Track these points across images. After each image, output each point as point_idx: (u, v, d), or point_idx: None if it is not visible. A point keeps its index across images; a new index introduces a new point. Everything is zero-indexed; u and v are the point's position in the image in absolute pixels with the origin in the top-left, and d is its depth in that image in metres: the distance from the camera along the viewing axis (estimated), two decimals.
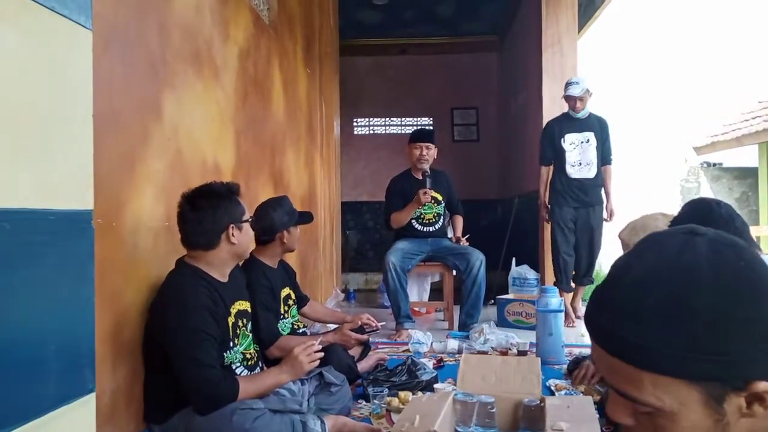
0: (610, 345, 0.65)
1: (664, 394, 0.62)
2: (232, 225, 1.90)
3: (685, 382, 0.61)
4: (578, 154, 4.31)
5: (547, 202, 4.47)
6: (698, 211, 1.82)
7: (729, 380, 0.61)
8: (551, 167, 4.45)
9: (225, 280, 1.97)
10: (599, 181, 4.35)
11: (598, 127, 4.34)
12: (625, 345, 0.63)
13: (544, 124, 5.00)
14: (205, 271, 1.90)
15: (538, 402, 1.78)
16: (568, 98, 4.29)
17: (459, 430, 1.80)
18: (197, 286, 1.83)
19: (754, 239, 1.73)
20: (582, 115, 4.30)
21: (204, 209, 1.86)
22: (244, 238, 1.96)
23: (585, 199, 4.30)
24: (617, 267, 0.68)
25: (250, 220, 2.00)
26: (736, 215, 1.74)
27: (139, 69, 1.93)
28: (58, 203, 1.38)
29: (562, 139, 4.33)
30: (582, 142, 4.32)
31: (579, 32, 5.44)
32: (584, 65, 5.54)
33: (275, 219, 2.58)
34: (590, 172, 4.30)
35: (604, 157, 4.34)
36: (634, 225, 2.37)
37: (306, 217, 2.78)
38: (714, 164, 9.30)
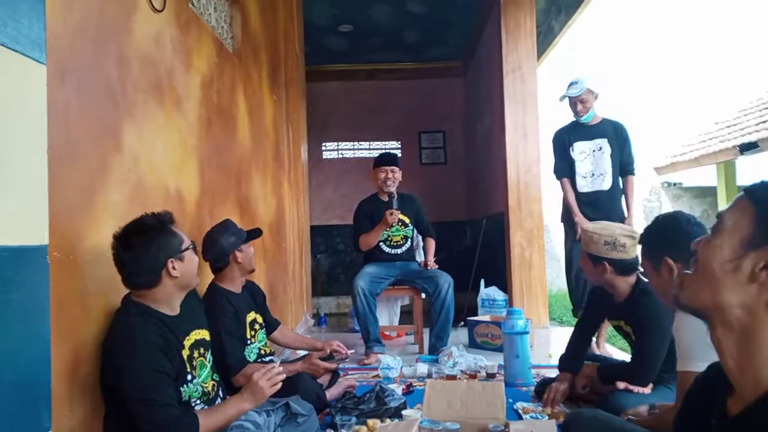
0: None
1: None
2: (171, 259, 1.83)
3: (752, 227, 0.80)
4: (590, 164, 3.92)
5: (560, 219, 4.08)
6: (665, 222, 1.88)
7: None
8: (569, 179, 4.00)
9: (175, 312, 1.91)
10: (616, 193, 3.92)
11: (612, 132, 3.92)
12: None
13: (507, 149, 5.11)
14: (152, 307, 1.84)
15: (503, 427, 1.79)
16: (569, 101, 3.93)
17: None
18: (145, 324, 1.77)
19: None
20: (590, 120, 3.92)
21: (137, 248, 1.78)
22: (186, 267, 1.88)
23: (598, 216, 3.70)
24: None
25: (191, 247, 1.92)
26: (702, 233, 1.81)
27: (97, 101, 1.92)
28: (12, 240, 1.36)
29: (571, 148, 3.95)
30: (594, 151, 3.91)
31: (539, 58, 5.59)
32: (545, 90, 5.69)
33: (223, 243, 2.57)
34: (604, 184, 3.90)
35: (623, 166, 3.91)
36: (605, 223, 2.52)
37: (254, 233, 2.75)
38: (674, 184, 9.58)
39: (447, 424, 1.81)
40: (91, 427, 1.79)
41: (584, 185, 3.93)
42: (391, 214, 3.93)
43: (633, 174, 3.95)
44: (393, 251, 4.13)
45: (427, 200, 5.01)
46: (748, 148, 6.84)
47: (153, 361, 1.72)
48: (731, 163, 7.91)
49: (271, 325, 2.96)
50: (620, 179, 3.94)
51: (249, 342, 2.67)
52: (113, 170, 1.99)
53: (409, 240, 4.20)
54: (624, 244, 2.38)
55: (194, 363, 1.93)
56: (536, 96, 5.12)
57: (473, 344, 4.22)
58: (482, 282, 5.19)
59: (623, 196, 3.94)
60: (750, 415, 0.74)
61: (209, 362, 2.05)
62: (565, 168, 4.02)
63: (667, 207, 9.28)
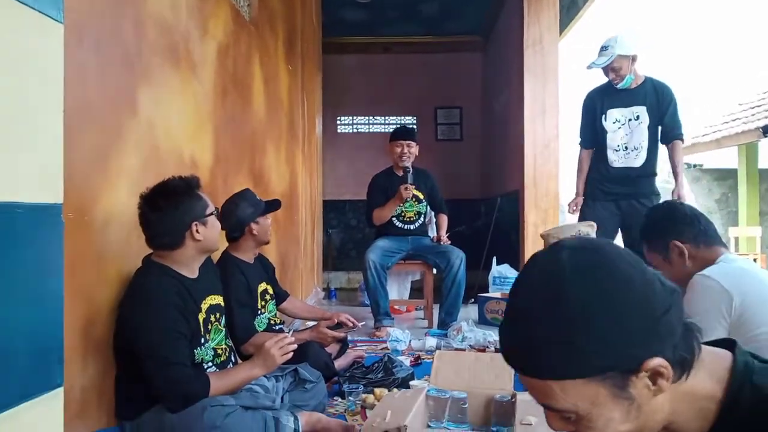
0: (516, 366, 0.73)
1: (575, 398, 0.69)
2: (195, 222, 1.87)
3: (585, 382, 0.68)
4: (624, 135, 3.49)
5: (582, 195, 3.68)
6: (661, 209, 1.88)
7: (621, 368, 0.67)
8: (591, 151, 3.67)
9: (194, 276, 1.94)
10: (650, 170, 3.53)
11: (654, 98, 3.45)
12: (527, 363, 0.72)
13: (525, 124, 5.04)
14: (173, 268, 1.87)
15: (510, 397, 1.80)
16: (603, 71, 3.48)
17: (431, 425, 1.81)
18: (165, 285, 1.81)
19: (720, 236, 1.79)
20: (628, 84, 3.44)
21: (164, 209, 1.81)
22: (209, 232, 1.92)
23: (627, 191, 3.49)
24: (508, 299, 0.76)
25: (215, 212, 1.96)
26: (699, 214, 1.80)
27: (114, 62, 1.92)
28: (27, 196, 1.37)
29: (604, 116, 3.51)
30: (630, 120, 3.47)
31: (562, 32, 5.49)
32: (568, 65, 5.59)
33: (240, 213, 2.58)
34: (637, 160, 3.49)
35: (667, 131, 3.48)
36: (558, 226, 2.44)
37: (273, 205, 2.74)
38: (694, 165, 9.43)
39: (454, 393, 1.82)
40: (102, 386, 1.83)
41: (615, 159, 3.52)
42: (406, 188, 3.92)
43: (680, 139, 3.50)
44: (406, 227, 4.13)
45: (441, 177, 4.97)
46: None
47: (170, 320, 1.75)
48: (753, 146, 7.77)
49: (280, 296, 2.98)
50: (656, 153, 3.55)
51: (259, 312, 2.69)
52: (129, 134, 2.00)
53: (422, 216, 4.19)
54: (587, 232, 2.33)
55: (209, 327, 1.95)
56: (557, 70, 5.03)
57: (483, 321, 4.23)
58: (494, 260, 5.17)
59: (671, 164, 3.54)
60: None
61: (223, 327, 2.08)
62: (589, 138, 3.66)
63: (686, 189, 9.16)
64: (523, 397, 1.76)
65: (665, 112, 3.46)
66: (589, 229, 2.21)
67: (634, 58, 3.43)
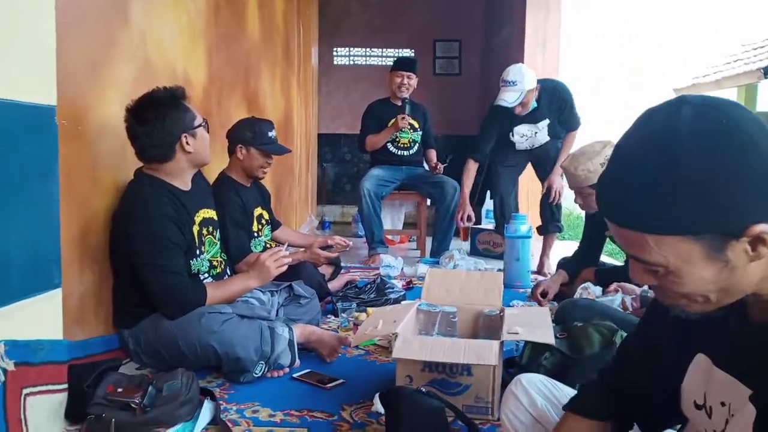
0: (615, 216, 0.72)
1: (668, 253, 0.68)
2: (184, 134, 1.84)
3: (683, 239, 0.67)
4: (529, 144, 3.71)
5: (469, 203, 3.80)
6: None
7: (723, 230, 0.66)
8: (477, 164, 3.82)
9: (187, 188, 1.94)
10: (554, 143, 3.69)
11: (554, 106, 3.59)
12: (625, 213, 0.70)
13: (525, 57, 4.94)
14: (165, 180, 1.87)
15: (498, 312, 1.86)
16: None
17: (421, 334, 1.87)
18: (158, 196, 1.81)
19: None
20: (532, 108, 3.54)
21: (151, 122, 1.79)
22: (199, 144, 1.89)
23: (535, 149, 3.72)
24: (615, 146, 0.73)
25: (203, 124, 1.92)
26: None
27: None
28: (20, 95, 1.36)
29: (511, 133, 3.66)
30: (536, 133, 3.65)
31: None
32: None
33: (237, 131, 2.56)
34: (541, 143, 3.71)
35: (565, 127, 3.65)
36: (573, 153, 2.40)
37: (274, 148, 2.61)
38: None
39: (444, 308, 1.87)
40: (100, 294, 1.87)
41: (520, 147, 3.73)
42: (403, 118, 3.89)
43: (575, 130, 3.67)
44: (400, 152, 4.12)
45: (438, 112, 4.89)
46: None
47: (164, 230, 1.77)
48: (753, 87, 7.69)
49: (274, 223, 2.99)
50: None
51: (256, 235, 2.71)
52: (120, 45, 1.96)
53: (417, 144, 4.17)
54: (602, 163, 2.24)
55: (203, 239, 1.98)
56: (560, 3, 4.90)
57: (475, 251, 4.30)
58: (488, 194, 5.19)
59: (560, 151, 3.66)
60: None
61: (218, 240, 2.10)
62: (484, 152, 3.79)
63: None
64: (511, 312, 1.82)
65: (562, 113, 3.59)
66: (607, 149, 2.17)
67: (537, 87, 3.51)
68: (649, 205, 0.67)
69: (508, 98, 3.44)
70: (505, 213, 3.83)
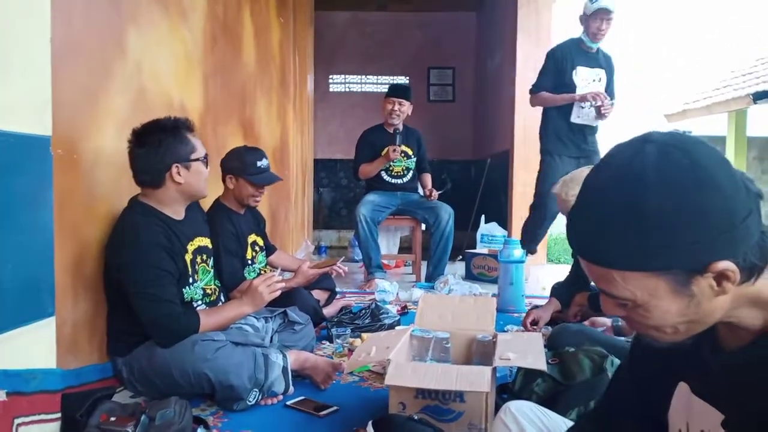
0: (582, 251, 0.74)
1: (635, 288, 0.70)
2: (176, 164, 1.83)
3: (649, 274, 0.69)
4: (588, 107, 3.51)
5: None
6: None
7: (687, 267, 0.68)
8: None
9: (180, 217, 1.94)
10: (596, 130, 3.64)
11: (605, 64, 3.59)
12: (592, 249, 0.72)
13: (516, 84, 5.01)
14: (157, 209, 1.87)
15: (491, 338, 1.86)
16: (595, 16, 3.37)
17: (415, 360, 1.87)
18: (150, 224, 1.81)
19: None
20: (594, 46, 3.49)
21: (147, 146, 1.80)
22: (192, 177, 1.88)
23: (586, 148, 3.56)
24: (583, 182, 0.76)
25: (202, 158, 1.91)
26: None
27: (100, 1, 1.90)
28: (15, 126, 1.38)
29: (574, 72, 3.51)
30: (594, 80, 3.52)
31: None
32: (563, 28, 5.53)
33: (227, 161, 2.55)
34: (595, 120, 3.56)
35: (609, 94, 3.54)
36: (564, 179, 2.42)
37: (261, 178, 2.55)
38: (684, 132, 9.46)
39: (437, 333, 1.87)
40: (94, 322, 1.87)
41: (578, 116, 3.54)
42: (394, 150, 3.93)
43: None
44: (394, 181, 4.15)
45: (433, 138, 4.94)
46: (762, 96, 6.71)
47: (156, 259, 1.77)
48: (743, 113, 7.78)
49: (269, 249, 3.00)
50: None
51: (250, 263, 2.71)
52: (116, 74, 1.99)
53: (411, 172, 4.20)
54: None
55: (197, 267, 1.98)
56: (550, 30, 5.00)
57: (470, 276, 4.30)
58: (482, 218, 5.22)
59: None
60: (759, 344, 0.72)
61: (211, 268, 2.10)
62: (546, 86, 3.62)
63: None
64: (504, 337, 1.82)
65: (611, 80, 3.63)
66: None
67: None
68: (615, 242, 0.69)
69: (608, 3, 3.33)
70: (546, 216, 3.65)
